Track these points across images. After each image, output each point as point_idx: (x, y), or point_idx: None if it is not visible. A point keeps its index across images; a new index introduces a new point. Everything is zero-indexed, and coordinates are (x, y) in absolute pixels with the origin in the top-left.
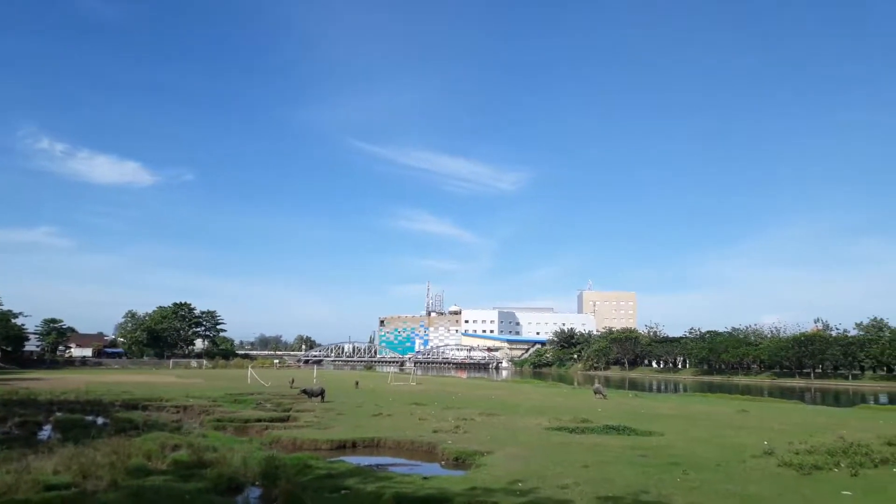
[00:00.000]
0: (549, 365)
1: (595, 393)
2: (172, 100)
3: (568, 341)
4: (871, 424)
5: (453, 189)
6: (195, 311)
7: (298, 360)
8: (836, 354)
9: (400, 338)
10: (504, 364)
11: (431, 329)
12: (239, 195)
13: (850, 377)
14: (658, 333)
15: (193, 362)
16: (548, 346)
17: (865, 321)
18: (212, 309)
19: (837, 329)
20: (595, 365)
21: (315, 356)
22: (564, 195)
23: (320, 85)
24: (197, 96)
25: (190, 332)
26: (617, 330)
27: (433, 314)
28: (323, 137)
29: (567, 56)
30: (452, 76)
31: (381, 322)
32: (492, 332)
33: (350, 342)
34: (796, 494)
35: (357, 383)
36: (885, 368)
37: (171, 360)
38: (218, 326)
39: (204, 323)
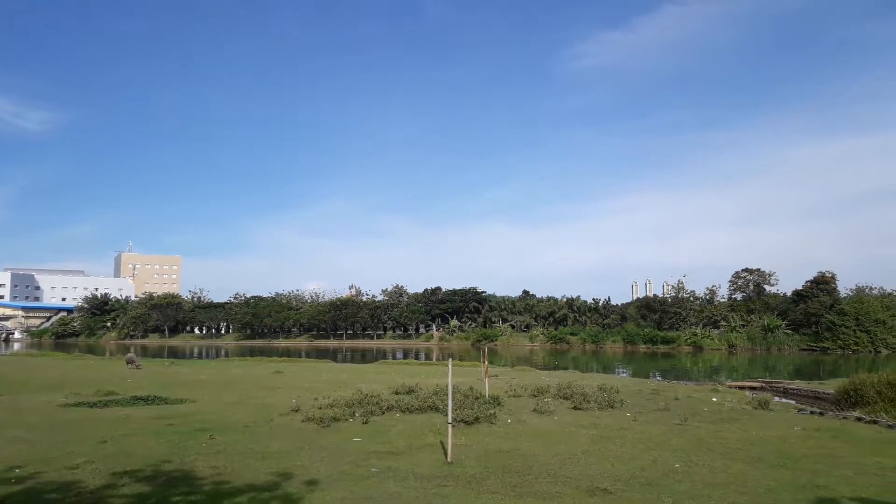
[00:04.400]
0: (76, 335)
1: (128, 363)
2: None
3: (101, 308)
4: (385, 377)
5: None
6: None
7: None
8: (366, 317)
9: None
10: (17, 335)
11: None
12: None
13: (376, 337)
14: (203, 299)
15: None
16: (76, 314)
17: (390, 288)
18: None
19: (368, 294)
20: (132, 333)
21: None
22: (103, 143)
23: None
24: None
25: None
26: (158, 295)
27: None
28: None
29: None
30: None
31: None
32: (1, 297)
33: None
34: (314, 445)
35: None
36: (403, 328)
37: None
38: None
39: None
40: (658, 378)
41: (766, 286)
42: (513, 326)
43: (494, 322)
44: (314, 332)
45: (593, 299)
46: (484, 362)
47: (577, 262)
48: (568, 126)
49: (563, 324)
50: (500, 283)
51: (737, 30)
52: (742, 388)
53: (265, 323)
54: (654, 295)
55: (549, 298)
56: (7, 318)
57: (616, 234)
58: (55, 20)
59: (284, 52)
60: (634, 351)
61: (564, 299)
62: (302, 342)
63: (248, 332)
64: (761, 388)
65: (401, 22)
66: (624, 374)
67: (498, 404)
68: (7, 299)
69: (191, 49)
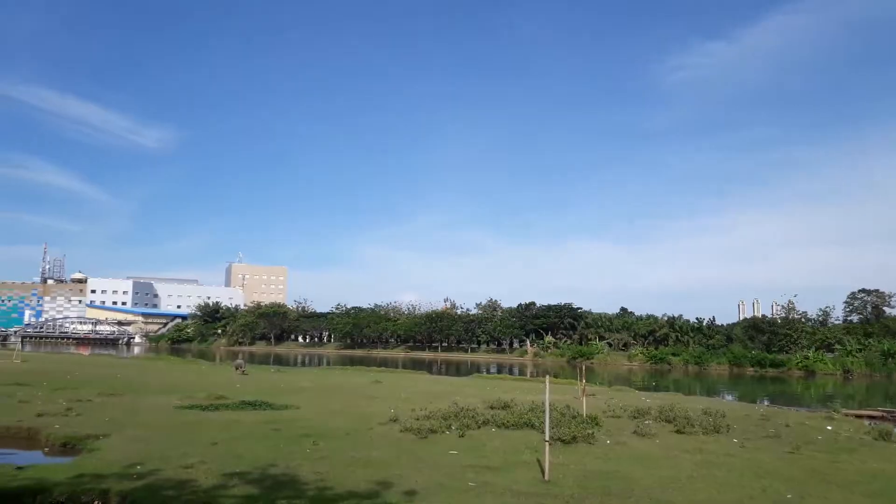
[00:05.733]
0: (189, 340)
1: (236, 368)
2: None
3: (212, 316)
4: (480, 391)
5: (80, 137)
6: None
7: None
8: (460, 330)
9: (3, 308)
10: (137, 339)
11: (47, 299)
12: None
13: (470, 350)
14: (307, 309)
15: None
16: (189, 321)
17: (484, 302)
18: None
19: (462, 308)
20: (240, 340)
21: None
22: (216, 160)
23: None
24: None
25: None
26: (266, 305)
27: (50, 282)
28: None
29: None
30: (94, 6)
31: None
32: (124, 304)
33: None
34: (412, 456)
35: None
36: (496, 343)
37: None
38: None
39: None
40: (766, 403)
41: (885, 308)
42: (610, 344)
43: (591, 339)
44: (410, 344)
45: (696, 319)
46: (581, 380)
47: (677, 279)
48: (661, 140)
49: (664, 343)
50: (596, 299)
51: (841, 40)
52: (860, 416)
53: (364, 333)
54: (763, 315)
55: (648, 317)
56: (129, 324)
57: (718, 252)
58: (167, 43)
59: (376, 73)
60: (741, 374)
61: (665, 318)
62: (399, 353)
63: (349, 341)
64: (882, 418)
65: (490, 38)
66: (729, 398)
67: (596, 424)
68: (129, 305)
69: (294, 74)
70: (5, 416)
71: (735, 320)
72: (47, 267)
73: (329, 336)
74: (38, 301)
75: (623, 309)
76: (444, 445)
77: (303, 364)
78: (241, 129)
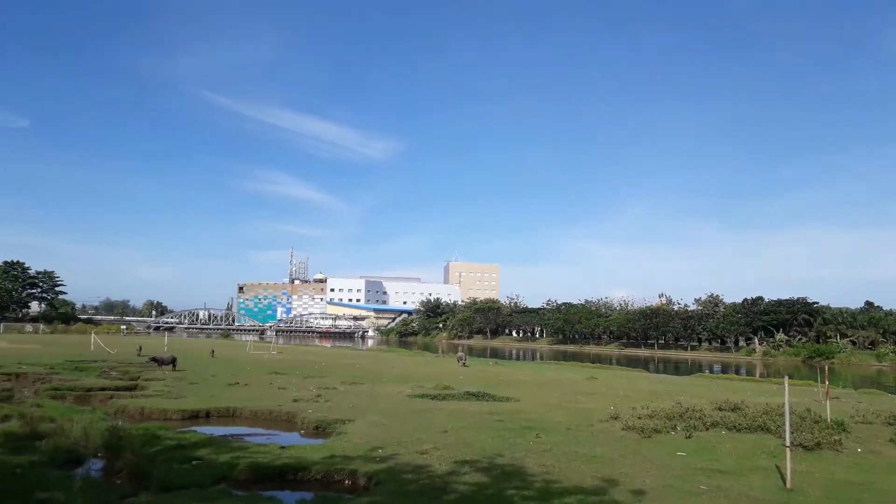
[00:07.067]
0: (415, 334)
1: (458, 361)
2: None
3: (434, 311)
4: (705, 391)
5: (319, 153)
6: (30, 271)
7: (148, 327)
8: (677, 327)
9: (260, 305)
10: (370, 333)
11: (295, 297)
12: (79, 147)
13: (689, 348)
14: (518, 304)
15: (28, 326)
16: (414, 316)
17: (703, 297)
18: (50, 269)
19: (679, 304)
20: (459, 334)
21: (167, 323)
22: (433, 166)
23: (171, 30)
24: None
25: (24, 294)
26: (480, 300)
27: (297, 281)
28: (173, 88)
29: (440, 24)
30: (321, 32)
31: (241, 288)
32: (358, 300)
33: (206, 309)
34: (637, 455)
35: (213, 352)
36: (719, 341)
37: (2, 324)
38: (57, 288)
39: (41, 284)
40: None
41: None
42: (854, 343)
43: (829, 337)
44: (623, 340)
45: None
46: (823, 382)
47: None
48: None
49: None
50: (835, 293)
51: None
52: None
53: (575, 329)
54: None
55: None
56: (363, 318)
57: None
58: (388, 65)
59: (582, 63)
60: None
61: None
62: (612, 349)
63: (560, 336)
64: None
65: (703, 15)
66: None
67: (843, 430)
68: (363, 302)
69: (500, 74)
70: (269, 400)
71: None
72: (294, 269)
73: (541, 331)
74: (288, 299)
75: (868, 303)
76: (670, 446)
77: (517, 358)
78: (454, 135)
